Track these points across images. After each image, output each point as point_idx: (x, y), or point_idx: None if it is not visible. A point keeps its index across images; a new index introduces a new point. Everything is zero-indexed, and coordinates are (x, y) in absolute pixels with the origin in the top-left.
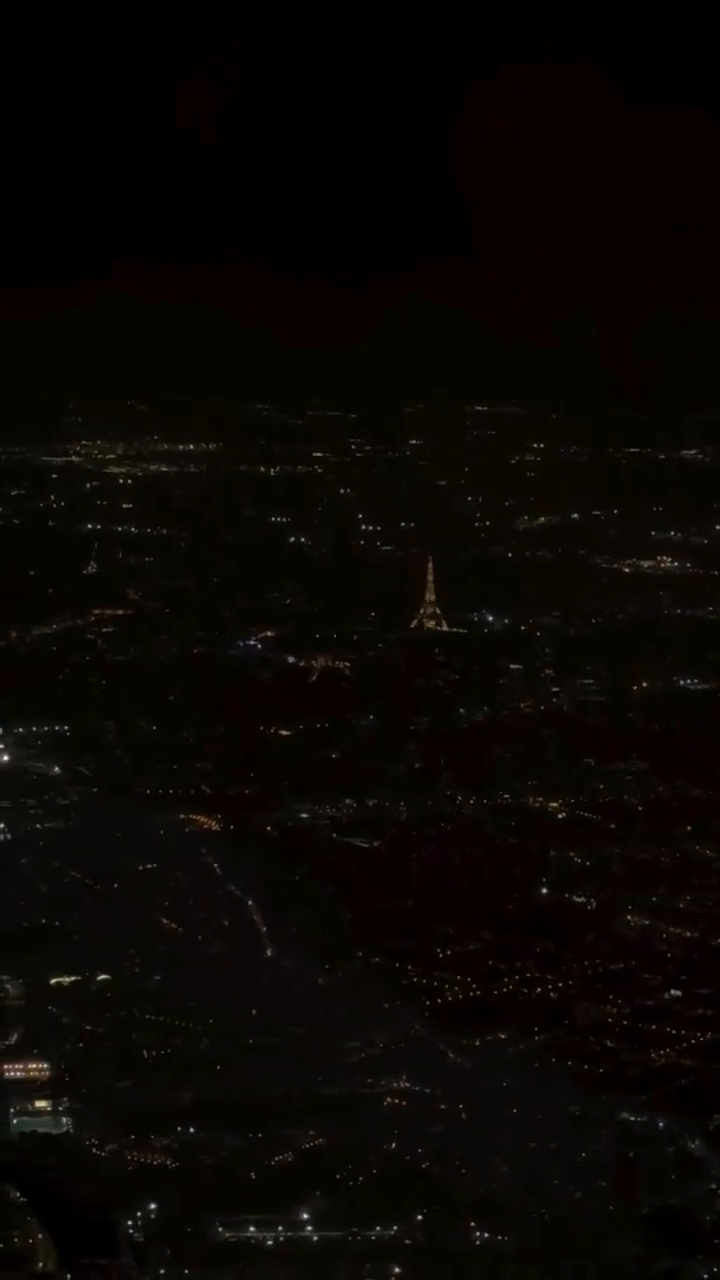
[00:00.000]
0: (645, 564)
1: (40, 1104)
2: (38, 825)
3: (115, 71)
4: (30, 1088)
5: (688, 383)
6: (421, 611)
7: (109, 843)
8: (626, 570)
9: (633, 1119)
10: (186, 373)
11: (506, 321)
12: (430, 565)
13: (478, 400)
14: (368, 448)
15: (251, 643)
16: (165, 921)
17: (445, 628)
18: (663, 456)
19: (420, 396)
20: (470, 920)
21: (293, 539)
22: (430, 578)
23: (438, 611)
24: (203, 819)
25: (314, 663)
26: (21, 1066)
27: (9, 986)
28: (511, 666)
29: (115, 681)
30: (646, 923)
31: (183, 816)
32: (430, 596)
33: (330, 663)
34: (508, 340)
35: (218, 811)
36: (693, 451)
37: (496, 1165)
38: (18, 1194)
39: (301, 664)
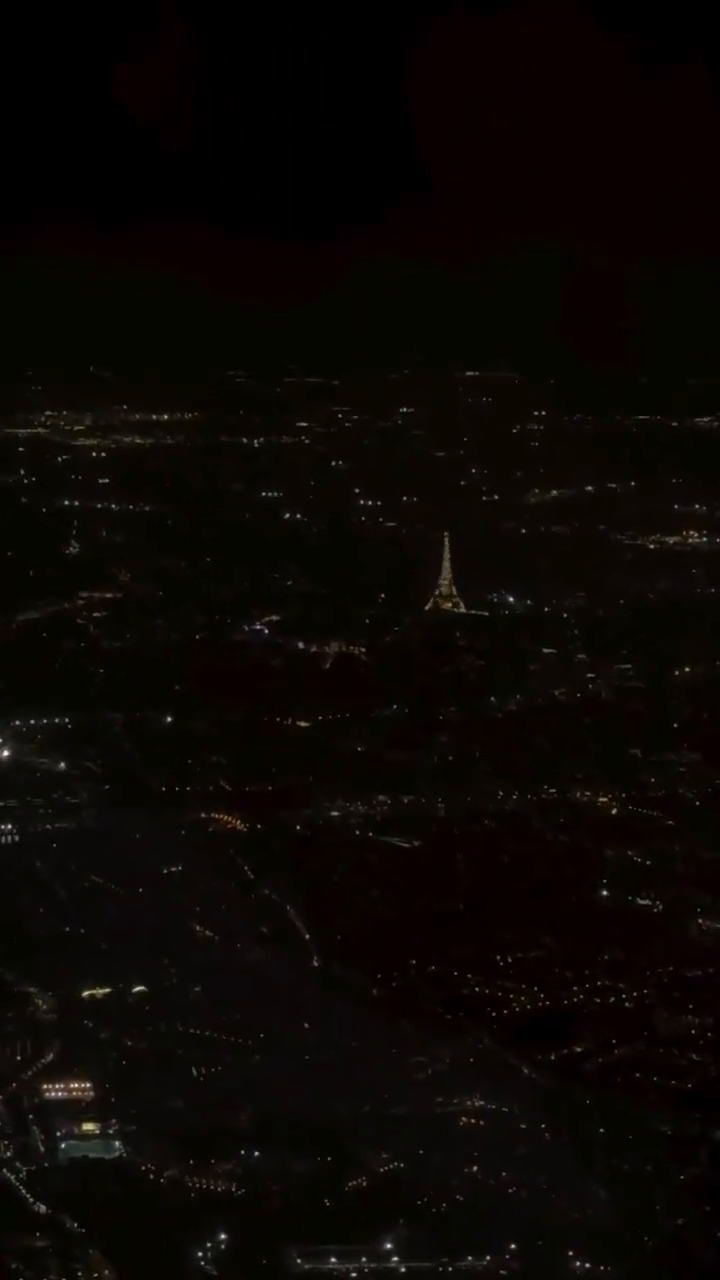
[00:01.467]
0: (671, 540)
1: (88, 1126)
2: (48, 825)
3: (64, 34)
4: (75, 1109)
5: (687, 341)
6: (437, 592)
7: (127, 844)
8: (652, 547)
9: None
10: (150, 339)
11: (481, 276)
12: (447, 542)
13: (467, 364)
14: (355, 417)
15: (257, 627)
16: (199, 928)
17: (463, 609)
18: (675, 424)
19: (403, 361)
20: (528, 925)
21: (287, 515)
22: (446, 556)
23: (454, 592)
24: (225, 817)
25: (327, 648)
26: (63, 1086)
27: (39, 1000)
28: (545, 651)
29: (114, 670)
30: None
31: (204, 815)
32: (446, 576)
33: (344, 648)
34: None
35: (241, 809)
36: (707, 419)
37: (591, 1189)
38: (75, 1224)
39: (313, 650)
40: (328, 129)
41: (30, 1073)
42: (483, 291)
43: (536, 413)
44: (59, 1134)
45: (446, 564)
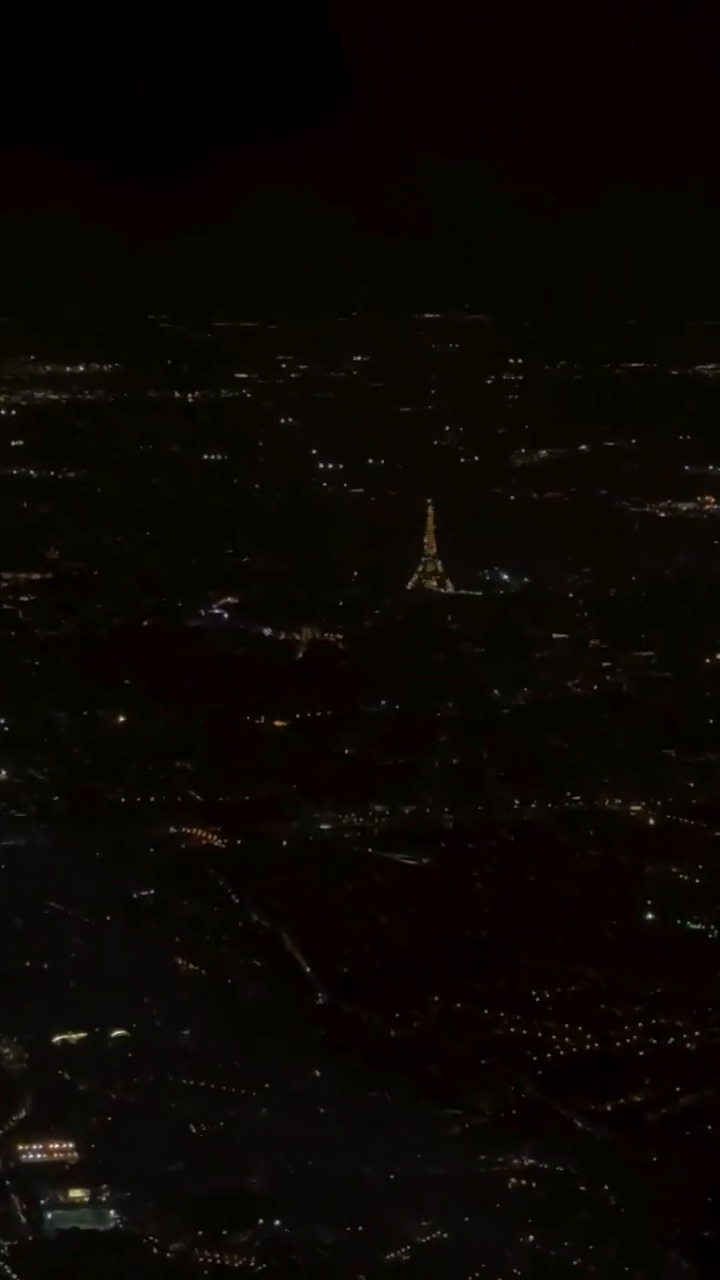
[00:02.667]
0: (684, 506)
1: (75, 1193)
2: None
3: None
4: (58, 1173)
5: (680, 278)
6: (419, 569)
7: (89, 864)
8: (662, 514)
9: None
10: (52, 279)
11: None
12: (430, 512)
13: (425, 305)
14: (302, 366)
15: (215, 611)
16: (181, 961)
17: (451, 589)
18: (675, 372)
19: (350, 301)
20: (565, 954)
21: (236, 480)
22: (430, 528)
23: (440, 569)
24: (199, 832)
25: (298, 636)
26: (41, 1147)
27: (3, 1047)
28: (555, 636)
29: (52, 662)
30: None
31: (173, 830)
32: (431, 551)
33: (318, 635)
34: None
35: (216, 823)
36: (711, 366)
37: (673, 1261)
38: None
39: (282, 637)
40: (244, 38)
41: (1, 1132)
42: (440, 221)
43: (512, 360)
44: (43, 1202)
45: (431, 537)
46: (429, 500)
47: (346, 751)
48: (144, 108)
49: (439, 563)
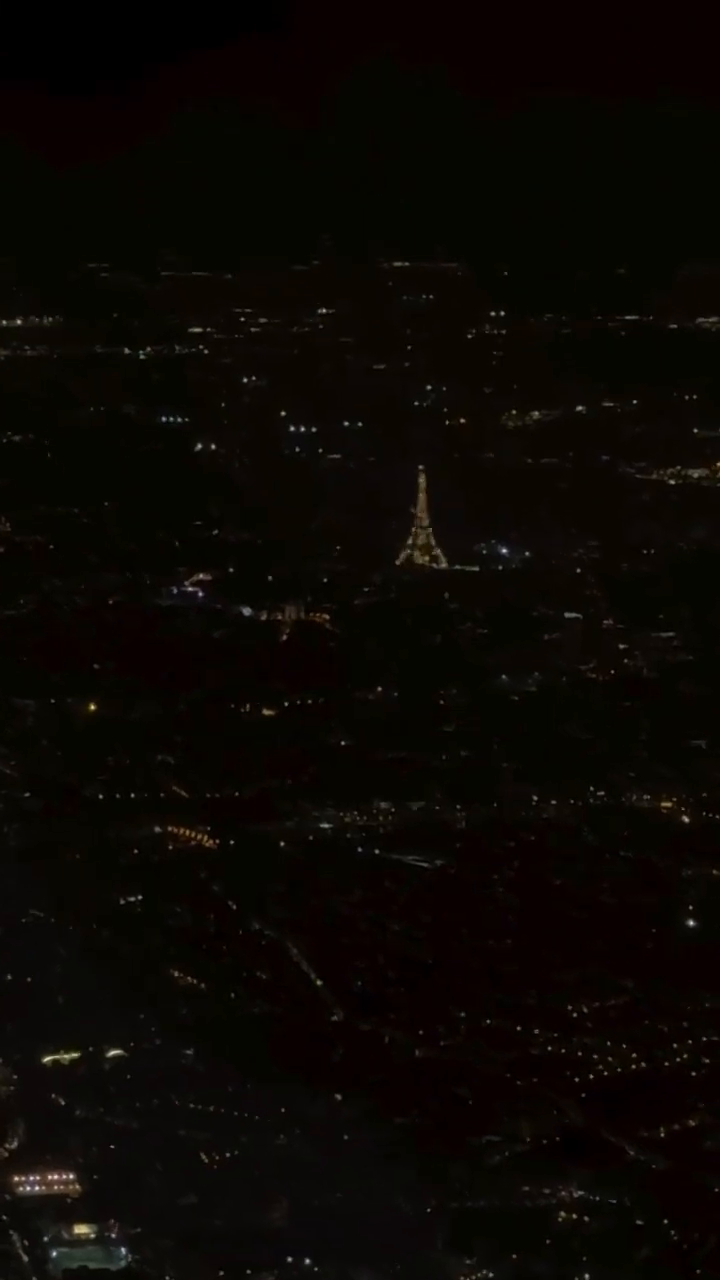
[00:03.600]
0: (696, 473)
1: (81, 1229)
2: None
3: None
4: (60, 1207)
5: (671, 221)
6: (410, 543)
7: (69, 868)
8: (672, 482)
9: None
10: None
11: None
12: (423, 480)
13: (392, 252)
14: (263, 320)
15: (188, 589)
16: (178, 974)
17: (445, 564)
18: (674, 326)
19: (309, 247)
20: (601, 966)
21: (199, 446)
22: (423, 497)
23: (432, 542)
24: (188, 832)
25: (280, 615)
26: (38, 1178)
27: None
28: (567, 616)
29: (12, 644)
30: None
31: (158, 830)
32: (423, 523)
33: (303, 615)
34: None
35: (205, 822)
36: (712, 319)
37: None
38: None
39: (264, 617)
40: None
41: None
42: (404, 155)
43: (493, 313)
44: (46, 1239)
45: (423, 507)
46: (420, 467)
47: (343, 743)
48: (68, 15)
49: (431, 536)
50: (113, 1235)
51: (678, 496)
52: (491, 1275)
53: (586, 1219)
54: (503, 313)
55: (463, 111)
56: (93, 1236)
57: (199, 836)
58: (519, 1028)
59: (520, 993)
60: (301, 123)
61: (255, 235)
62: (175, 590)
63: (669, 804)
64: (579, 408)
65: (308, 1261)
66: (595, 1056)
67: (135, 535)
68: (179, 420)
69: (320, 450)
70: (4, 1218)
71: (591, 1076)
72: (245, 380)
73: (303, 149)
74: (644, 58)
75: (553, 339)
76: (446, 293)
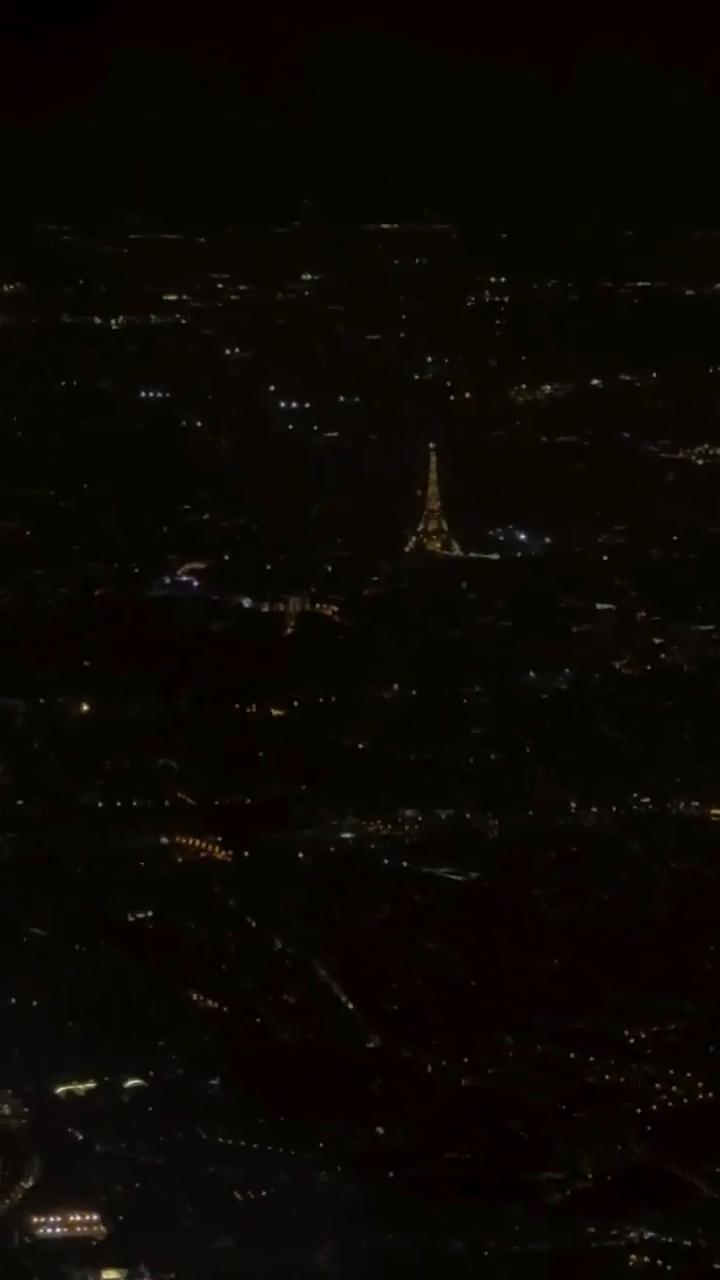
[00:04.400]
0: None
1: (110, 1275)
2: None
3: None
4: (85, 1250)
5: (679, 175)
6: (420, 529)
7: (68, 881)
8: (699, 462)
9: None
10: None
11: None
12: (434, 461)
13: (380, 214)
14: (243, 287)
15: (182, 578)
16: (197, 997)
17: (459, 551)
18: (690, 293)
19: (288, 207)
20: (655, 987)
21: (184, 423)
22: (434, 478)
23: (444, 527)
24: (197, 842)
25: (285, 607)
26: (59, 1219)
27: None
28: (600, 607)
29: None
30: None
31: (165, 840)
32: (434, 505)
33: (309, 606)
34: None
35: (215, 831)
36: None
37: None
38: None
39: (265, 609)
40: None
41: (10, 1200)
42: (388, 109)
43: (493, 279)
44: None
45: (434, 490)
46: (431, 445)
47: (359, 745)
48: None
49: (444, 520)
50: None
51: (706, 477)
52: None
53: (662, 1262)
54: (503, 279)
55: (449, 63)
56: None
57: (209, 847)
58: (571, 1054)
59: (571, 1017)
60: (276, 74)
61: (228, 195)
62: (168, 580)
63: (719, 812)
64: (594, 381)
65: None
66: (657, 1086)
67: (119, 520)
68: (159, 396)
69: (315, 428)
70: (27, 1263)
71: (654, 1107)
72: (228, 352)
73: (279, 102)
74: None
75: (558, 307)
76: (440, 257)
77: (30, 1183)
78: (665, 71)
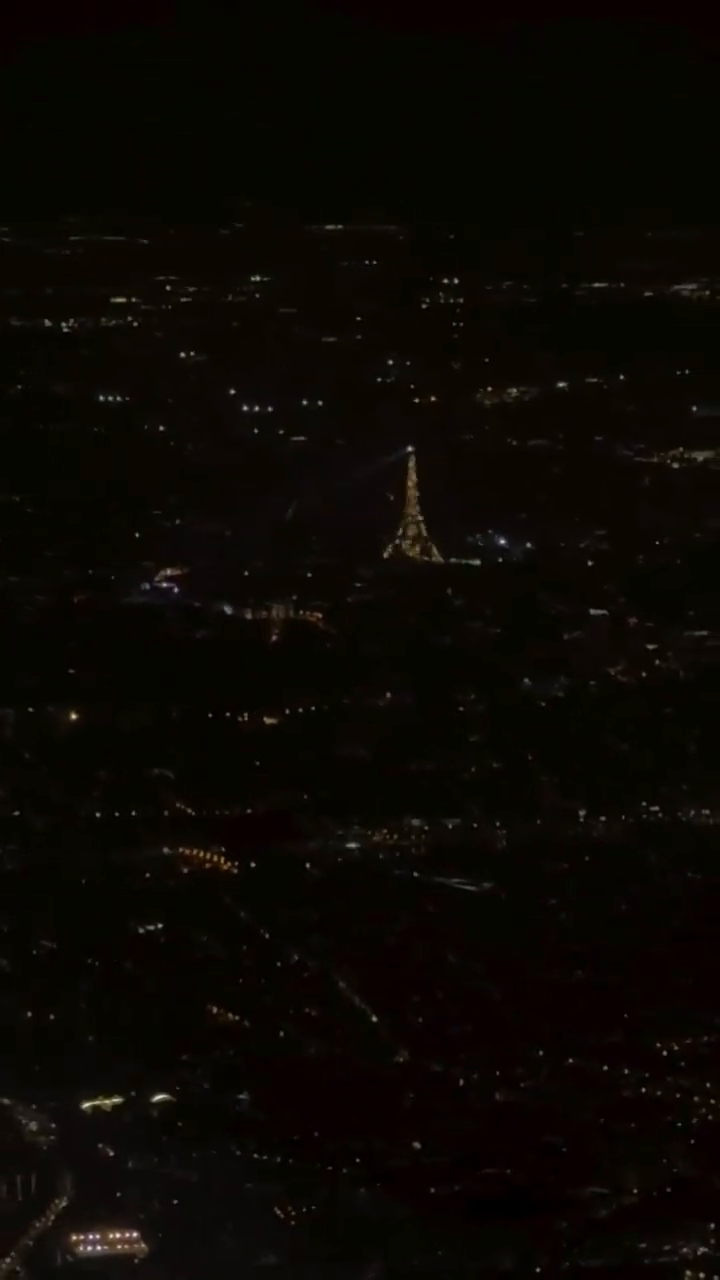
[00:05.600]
0: (701, 456)
1: None
2: None
3: None
4: (126, 1268)
5: (631, 179)
6: (399, 534)
7: (76, 894)
8: (675, 465)
9: None
10: None
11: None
12: (412, 466)
13: (324, 214)
14: (191, 288)
15: (163, 584)
16: (217, 1010)
17: (438, 557)
18: (649, 294)
19: (229, 207)
20: (684, 998)
21: (145, 427)
22: (412, 483)
23: (424, 533)
24: (201, 853)
25: (270, 614)
26: (98, 1236)
27: (25, 1117)
28: (593, 613)
29: None
30: None
31: (168, 850)
32: (413, 512)
33: (293, 613)
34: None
35: (219, 842)
36: (690, 286)
37: None
38: None
39: (249, 615)
40: None
41: (47, 1219)
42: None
43: (446, 280)
44: None
45: (412, 495)
46: (409, 450)
47: (360, 753)
48: None
49: (422, 526)
50: None
51: (684, 481)
52: None
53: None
54: (456, 280)
55: (394, 64)
56: None
57: (214, 858)
58: (605, 1067)
59: (601, 1030)
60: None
61: (168, 196)
62: (147, 586)
63: None
64: (560, 384)
65: None
66: (695, 1099)
67: (90, 526)
68: (118, 399)
69: (281, 432)
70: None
71: (694, 1120)
72: (183, 355)
73: (217, 99)
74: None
75: (513, 309)
76: (389, 258)
77: (65, 1201)
78: (615, 73)
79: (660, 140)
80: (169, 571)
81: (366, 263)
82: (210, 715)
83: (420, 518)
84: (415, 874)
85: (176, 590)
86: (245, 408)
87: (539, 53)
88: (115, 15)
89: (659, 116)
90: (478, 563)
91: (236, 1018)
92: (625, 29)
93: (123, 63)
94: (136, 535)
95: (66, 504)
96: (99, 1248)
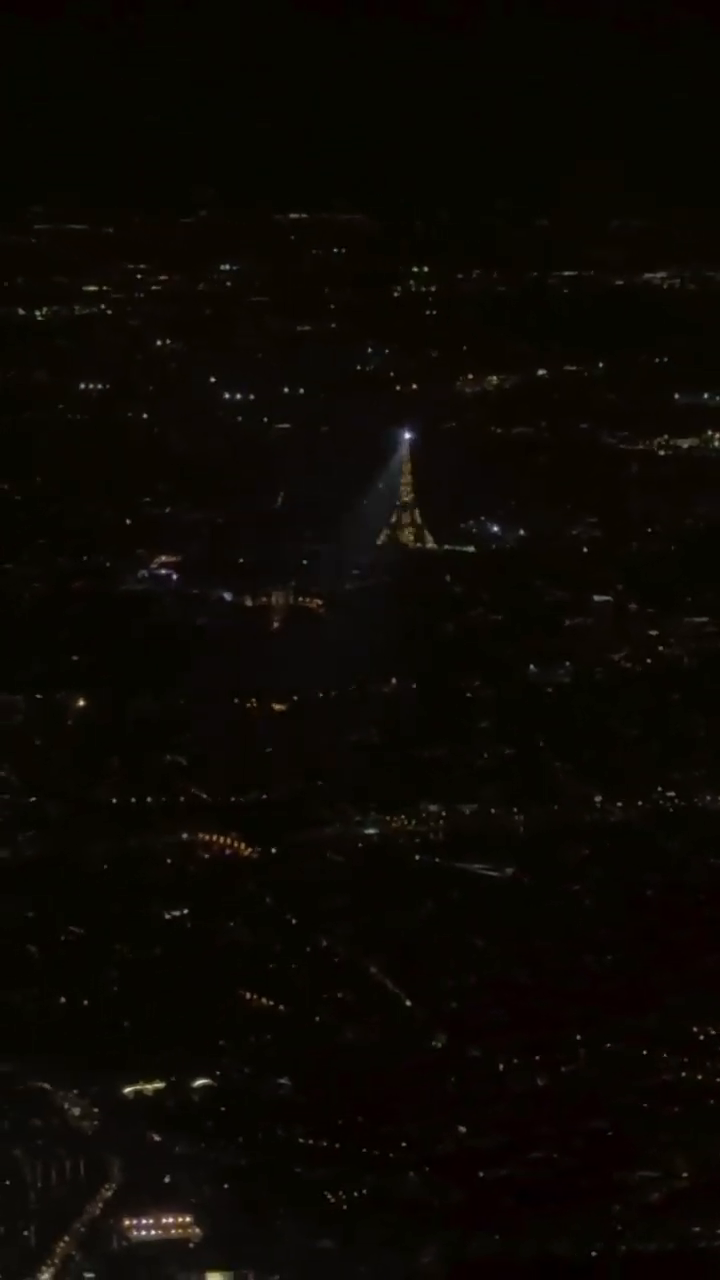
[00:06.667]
0: (686, 443)
1: (214, 1277)
2: None
3: None
4: (183, 1253)
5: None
6: (392, 521)
7: (98, 880)
8: (661, 453)
9: None
10: None
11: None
12: (407, 450)
13: (286, 202)
14: (163, 277)
15: (161, 571)
16: (250, 996)
17: (432, 544)
18: (620, 282)
19: (188, 195)
20: (713, 981)
21: (129, 415)
22: (407, 469)
23: (417, 520)
24: (220, 839)
25: (269, 600)
26: (152, 1221)
27: (67, 1103)
28: (597, 599)
29: None
30: None
31: (186, 837)
32: (408, 499)
33: (293, 600)
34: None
35: (236, 828)
36: (660, 274)
37: None
38: None
39: (248, 602)
40: None
41: (97, 1205)
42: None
43: (415, 268)
44: None
45: (407, 481)
46: (405, 434)
47: (373, 739)
48: None
49: (417, 513)
50: None
51: (671, 468)
52: None
53: None
54: (425, 268)
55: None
56: None
57: (233, 844)
58: (644, 1052)
59: (636, 1015)
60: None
61: (130, 184)
62: (144, 574)
63: None
64: (540, 372)
65: None
66: None
67: (80, 514)
68: (97, 387)
69: (265, 420)
70: (128, 1266)
71: None
72: (159, 343)
73: (176, 83)
74: None
75: (485, 297)
76: (355, 247)
77: (113, 1186)
78: (578, 59)
79: (623, 131)
80: (164, 558)
81: (336, 251)
82: (217, 702)
83: (415, 505)
84: (436, 860)
85: (175, 577)
86: (226, 395)
87: (503, 42)
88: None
89: (619, 107)
90: (472, 549)
91: (270, 1003)
92: (587, 19)
93: (81, 49)
94: (128, 523)
95: (53, 492)
96: (152, 1232)
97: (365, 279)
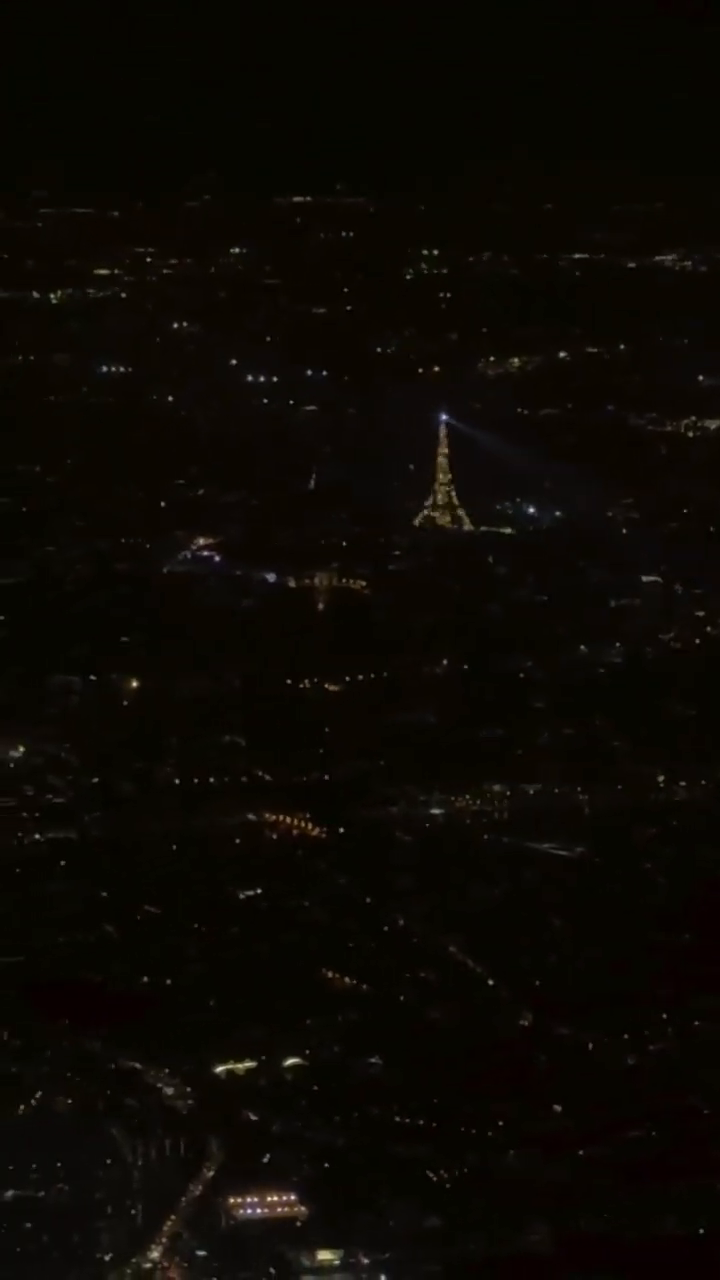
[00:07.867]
0: (714, 424)
1: (325, 1255)
2: (38, 835)
3: None
4: (291, 1231)
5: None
6: (428, 503)
7: (166, 860)
8: (690, 435)
9: None
10: None
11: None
12: (444, 433)
13: (288, 186)
14: (173, 260)
15: (204, 553)
16: (331, 974)
17: (469, 525)
18: (632, 265)
19: (190, 179)
20: None
21: (155, 397)
22: (444, 451)
23: (454, 501)
24: (286, 819)
25: (313, 582)
26: (257, 1200)
27: (159, 1081)
28: (645, 580)
29: (21, 615)
30: None
31: (252, 816)
32: (444, 479)
33: (337, 581)
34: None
35: (302, 808)
36: (670, 256)
37: None
38: None
39: (292, 584)
40: None
41: (200, 1184)
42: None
43: (426, 251)
44: (299, 1266)
45: (443, 463)
46: (443, 416)
47: (430, 719)
48: None
49: (453, 494)
50: (364, 1262)
51: (700, 450)
52: None
53: None
54: (435, 251)
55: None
56: (337, 1263)
57: (300, 824)
58: None
59: (718, 993)
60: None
61: (134, 169)
62: (187, 555)
63: None
64: (562, 354)
65: None
66: None
67: (113, 495)
68: (119, 370)
69: (290, 402)
70: (237, 1244)
71: None
72: (176, 326)
73: (181, 72)
74: None
75: (501, 280)
76: (364, 230)
77: (214, 1165)
78: (575, 46)
79: (625, 114)
80: (204, 540)
81: (344, 234)
82: (271, 683)
83: (450, 486)
84: (505, 839)
85: (217, 559)
86: (249, 378)
87: (505, 27)
88: None
89: (621, 90)
90: (510, 531)
91: (353, 982)
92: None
93: (81, 36)
94: (162, 504)
95: (87, 474)
96: (259, 1210)
97: (374, 262)
